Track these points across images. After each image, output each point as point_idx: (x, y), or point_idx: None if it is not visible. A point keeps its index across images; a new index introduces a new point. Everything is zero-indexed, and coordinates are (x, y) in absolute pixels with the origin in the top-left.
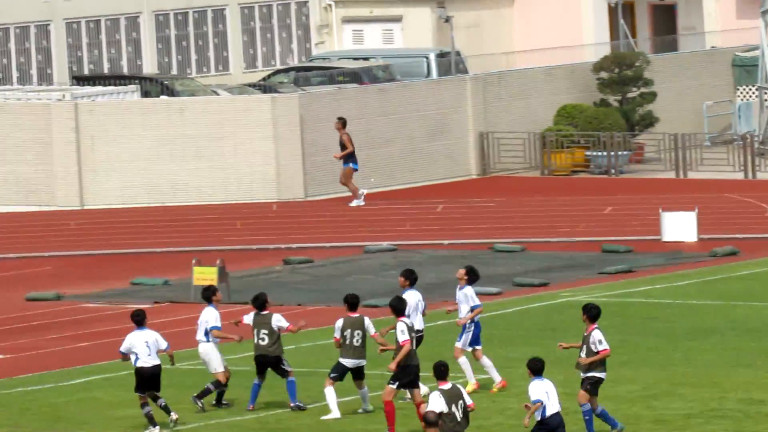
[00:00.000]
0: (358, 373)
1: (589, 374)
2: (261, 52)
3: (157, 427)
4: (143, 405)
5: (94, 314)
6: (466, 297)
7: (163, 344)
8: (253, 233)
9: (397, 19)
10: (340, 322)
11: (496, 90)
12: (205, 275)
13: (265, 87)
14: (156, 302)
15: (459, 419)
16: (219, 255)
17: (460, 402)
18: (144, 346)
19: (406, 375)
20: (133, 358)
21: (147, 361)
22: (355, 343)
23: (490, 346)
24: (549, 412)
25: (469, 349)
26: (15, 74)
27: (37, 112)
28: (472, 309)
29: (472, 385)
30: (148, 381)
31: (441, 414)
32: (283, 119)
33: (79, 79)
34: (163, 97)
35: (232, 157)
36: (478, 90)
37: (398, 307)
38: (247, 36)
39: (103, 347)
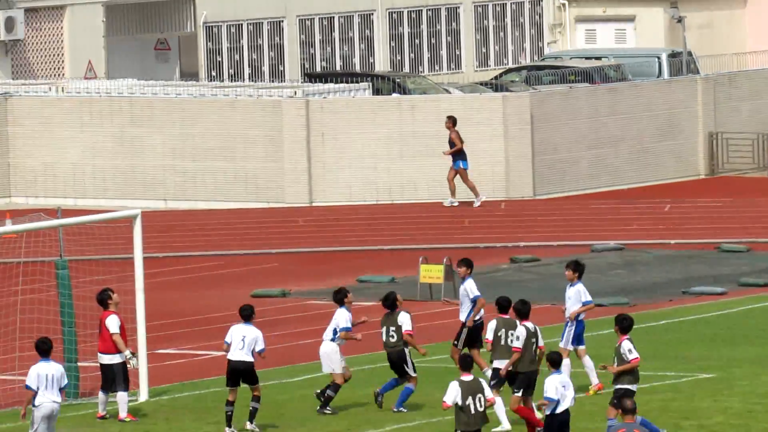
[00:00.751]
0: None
1: (618, 386)
2: (493, 50)
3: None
4: (228, 402)
5: (319, 311)
6: (578, 293)
7: (261, 346)
8: (480, 231)
9: (630, 19)
10: (493, 324)
11: (726, 90)
12: (431, 273)
13: (496, 85)
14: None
15: (473, 412)
16: (446, 253)
17: (479, 396)
18: (239, 340)
19: (524, 381)
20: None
21: (236, 355)
22: (510, 344)
23: (713, 345)
24: (561, 408)
25: (571, 348)
26: (247, 71)
27: (268, 108)
28: (584, 305)
29: (594, 386)
30: (233, 375)
31: (456, 405)
32: (513, 118)
33: (311, 76)
34: (394, 95)
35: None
36: (708, 90)
37: (522, 311)
38: (480, 34)
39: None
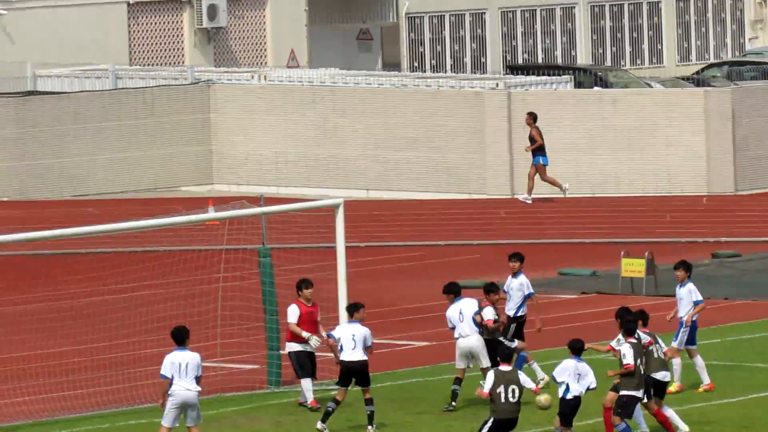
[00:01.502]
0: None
1: (620, 392)
2: (695, 45)
3: (322, 425)
4: (334, 400)
5: None
6: (689, 293)
7: (369, 342)
8: (682, 226)
9: None
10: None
11: None
12: (633, 267)
13: (697, 80)
14: (583, 293)
15: (503, 400)
16: (648, 247)
17: (512, 387)
18: (350, 340)
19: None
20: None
21: (350, 355)
22: (661, 356)
23: None
24: (570, 394)
25: (683, 348)
26: (449, 62)
27: (471, 99)
28: (695, 305)
29: (676, 385)
30: (346, 375)
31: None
32: (714, 113)
33: (513, 68)
34: (596, 89)
35: (663, 150)
36: None
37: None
38: (682, 29)
39: (529, 336)
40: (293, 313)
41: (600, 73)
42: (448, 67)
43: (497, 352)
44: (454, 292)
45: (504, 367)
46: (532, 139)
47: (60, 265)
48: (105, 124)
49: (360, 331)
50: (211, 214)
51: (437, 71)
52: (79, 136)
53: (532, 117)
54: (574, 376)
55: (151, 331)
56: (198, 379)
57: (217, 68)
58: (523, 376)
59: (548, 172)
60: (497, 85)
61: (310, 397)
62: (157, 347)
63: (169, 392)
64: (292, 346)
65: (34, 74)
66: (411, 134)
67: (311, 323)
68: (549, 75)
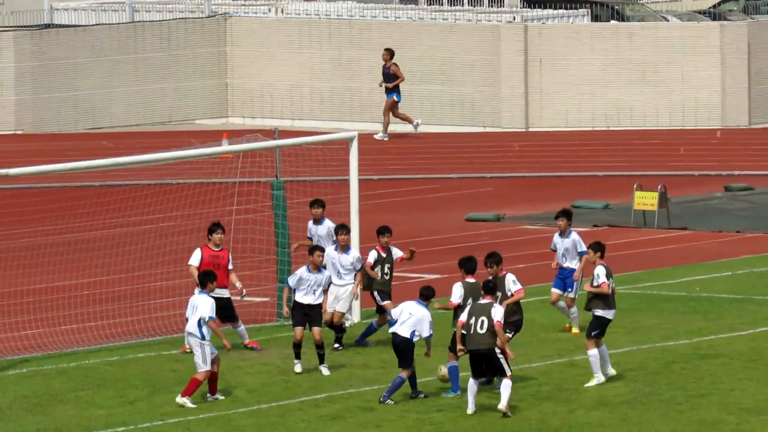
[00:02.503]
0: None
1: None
2: None
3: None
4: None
5: (532, 236)
6: (574, 243)
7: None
8: (695, 159)
9: None
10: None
11: None
12: (646, 200)
13: (713, 14)
14: (595, 225)
15: (472, 332)
16: (660, 180)
17: (482, 318)
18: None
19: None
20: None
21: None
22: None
23: None
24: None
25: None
26: None
27: (487, 33)
28: (580, 255)
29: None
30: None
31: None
32: (730, 47)
33: (530, 2)
34: (612, 22)
35: (678, 84)
36: None
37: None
38: None
39: (542, 269)
40: (195, 256)
41: (617, 7)
42: (466, 0)
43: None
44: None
45: (484, 300)
46: (390, 76)
47: (73, 198)
48: (121, 58)
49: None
50: (225, 147)
51: (454, 5)
52: (95, 70)
53: (390, 53)
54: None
55: (164, 263)
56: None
57: (234, 1)
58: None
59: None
60: (514, 18)
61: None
62: (169, 279)
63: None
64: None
65: (51, 7)
66: (426, 67)
67: (215, 268)
68: (566, 9)
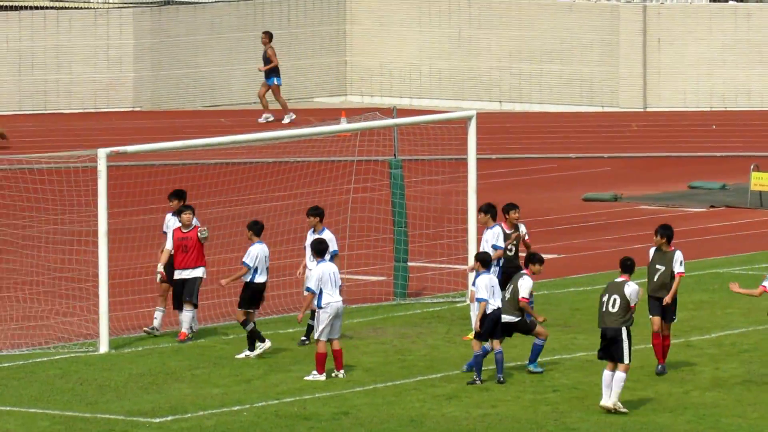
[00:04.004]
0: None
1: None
2: None
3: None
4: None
5: (650, 216)
6: (494, 236)
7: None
8: None
9: None
10: None
11: None
12: (762, 181)
13: None
14: (712, 206)
15: (603, 310)
16: None
17: (615, 297)
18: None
19: None
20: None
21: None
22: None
23: None
24: (491, 308)
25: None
26: None
27: (606, 13)
28: (494, 249)
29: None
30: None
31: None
32: None
33: None
34: (731, 2)
35: None
36: None
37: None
38: None
39: None
40: (168, 240)
41: None
42: None
43: None
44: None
45: (619, 279)
46: (267, 60)
47: (190, 176)
48: (241, 35)
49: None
50: (344, 125)
51: None
52: (214, 47)
53: (268, 36)
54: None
55: (282, 242)
56: (341, 289)
57: None
58: (631, 287)
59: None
60: None
61: (183, 327)
62: (283, 258)
63: (322, 305)
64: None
65: None
66: (545, 47)
67: (183, 250)
68: None
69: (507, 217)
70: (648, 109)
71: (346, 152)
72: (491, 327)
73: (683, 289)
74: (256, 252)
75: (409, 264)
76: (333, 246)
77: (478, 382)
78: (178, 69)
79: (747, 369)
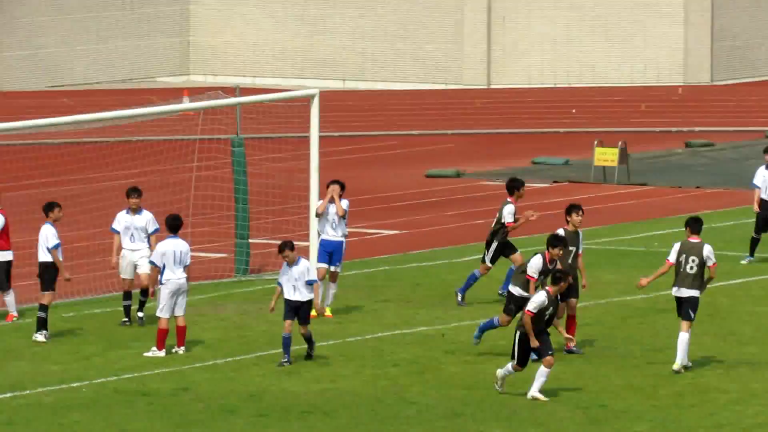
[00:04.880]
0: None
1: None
2: None
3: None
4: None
5: (492, 192)
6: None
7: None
8: (656, 116)
9: None
10: (677, 246)
11: None
12: (606, 156)
13: None
14: (555, 181)
15: (681, 270)
16: (621, 136)
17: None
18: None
19: None
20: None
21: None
22: (689, 270)
23: None
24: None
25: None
26: None
27: None
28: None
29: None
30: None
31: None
32: (693, 4)
33: None
34: None
35: (640, 41)
36: None
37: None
38: None
39: None
40: None
41: None
42: None
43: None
44: None
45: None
46: None
47: (33, 157)
48: (83, 16)
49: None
50: (186, 104)
51: None
52: (57, 28)
53: None
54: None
55: None
56: (186, 268)
57: None
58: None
59: None
60: None
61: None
62: None
63: (162, 281)
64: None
65: None
66: (389, 26)
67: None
68: None
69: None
70: (492, 86)
71: (189, 131)
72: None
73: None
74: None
75: (251, 241)
76: (153, 225)
77: (286, 362)
78: (20, 50)
79: (588, 342)
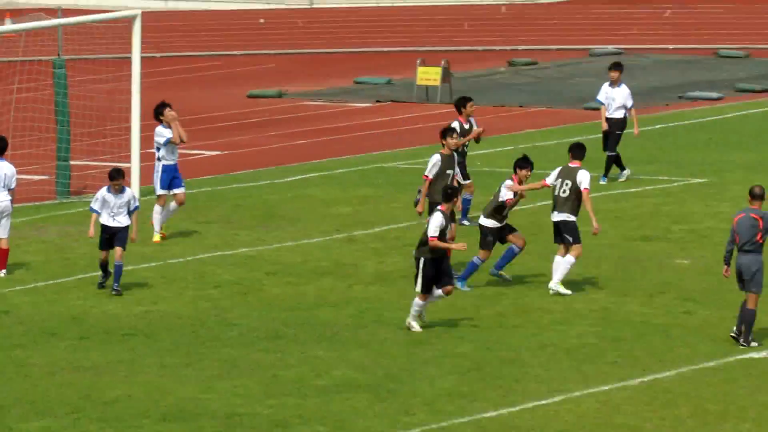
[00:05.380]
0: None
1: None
2: None
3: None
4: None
5: (314, 112)
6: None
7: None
8: (479, 35)
9: None
10: (557, 170)
11: None
12: (428, 75)
13: None
14: (377, 101)
15: (555, 194)
16: (444, 55)
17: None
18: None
19: None
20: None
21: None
22: (563, 194)
23: (707, 150)
24: None
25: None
26: None
27: None
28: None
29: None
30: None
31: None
32: None
33: None
34: None
35: None
36: None
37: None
38: None
39: (323, 145)
40: None
41: None
42: None
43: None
44: None
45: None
46: None
47: None
48: None
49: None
50: (8, 26)
51: None
52: None
53: None
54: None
55: None
56: (10, 191)
57: None
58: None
59: None
60: None
61: None
62: None
63: None
64: None
65: None
66: None
67: None
68: None
69: (462, 112)
70: (314, 6)
71: (10, 53)
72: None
73: (348, 184)
74: None
75: (72, 163)
76: None
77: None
78: None
79: (410, 263)
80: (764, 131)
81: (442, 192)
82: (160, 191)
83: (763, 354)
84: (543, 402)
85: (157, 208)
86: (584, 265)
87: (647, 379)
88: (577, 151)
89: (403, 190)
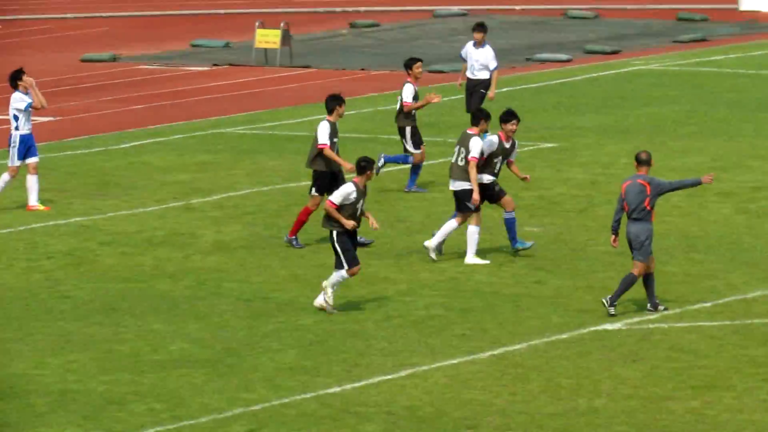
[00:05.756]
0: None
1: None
2: None
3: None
4: None
5: (150, 76)
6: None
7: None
8: None
9: None
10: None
11: None
12: (268, 38)
13: None
14: (215, 65)
15: (452, 162)
16: (283, 17)
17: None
18: None
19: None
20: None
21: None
22: (459, 162)
23: (556, 114)
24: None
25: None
26: None
27: None
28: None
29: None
30: None
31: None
32: None
33: None
34: None
35: None
36: None
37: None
38: None
39: (158, 110)
40: None
41: None
42: None
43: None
44: None
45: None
46: None
47: None
48: None
49: None
50: None
51: None
52: None
53: None
54: None
55: None
56: None
57: None
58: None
59: None
60: None
61: None
62: None
63: None
64: None
65: None
66: None
67: None
68: None
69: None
70: None
71: None
72: None
73: (185, 150)
74: None
75: None
76: None
77: None
78: None
79: (250, 231)
80: (615, 94)
81: (356, 164)
82: (17, 162)
83: (617, 326)
84: (389, 377)
85: (5, 177)
86: (432, 231)
87: (497, 352)
88: (475, 117)
89: (242, 157)
